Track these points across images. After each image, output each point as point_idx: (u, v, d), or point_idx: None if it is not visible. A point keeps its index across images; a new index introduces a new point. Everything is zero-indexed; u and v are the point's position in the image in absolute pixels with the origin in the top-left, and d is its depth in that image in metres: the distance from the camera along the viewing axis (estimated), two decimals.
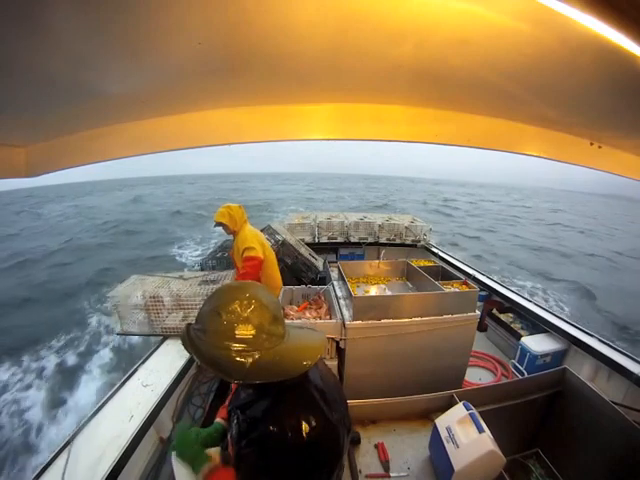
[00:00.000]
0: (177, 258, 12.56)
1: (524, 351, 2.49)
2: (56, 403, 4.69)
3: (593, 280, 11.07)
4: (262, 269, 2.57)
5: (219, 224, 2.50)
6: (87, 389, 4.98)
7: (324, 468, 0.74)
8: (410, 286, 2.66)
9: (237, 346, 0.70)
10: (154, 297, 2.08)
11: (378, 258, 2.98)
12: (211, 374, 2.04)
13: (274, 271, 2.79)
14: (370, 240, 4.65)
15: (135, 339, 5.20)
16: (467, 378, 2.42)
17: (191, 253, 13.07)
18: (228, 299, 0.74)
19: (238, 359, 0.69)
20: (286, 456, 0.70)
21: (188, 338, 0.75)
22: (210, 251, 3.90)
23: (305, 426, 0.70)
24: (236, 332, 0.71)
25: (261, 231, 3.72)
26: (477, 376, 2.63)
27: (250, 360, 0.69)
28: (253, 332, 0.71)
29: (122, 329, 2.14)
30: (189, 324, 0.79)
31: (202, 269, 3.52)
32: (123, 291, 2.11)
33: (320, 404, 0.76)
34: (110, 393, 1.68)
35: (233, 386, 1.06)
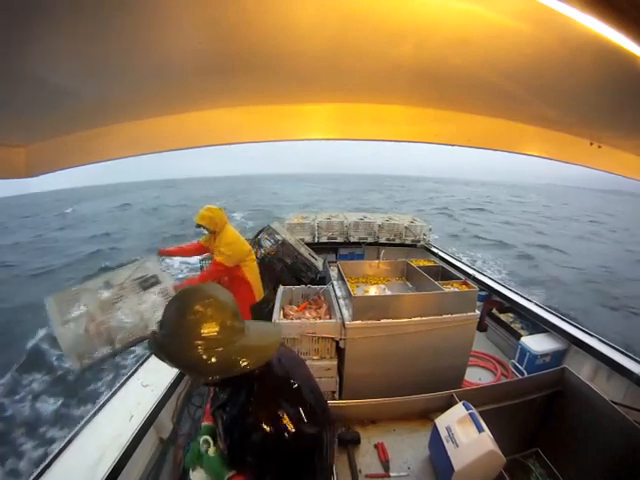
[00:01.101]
0: None
1: (524, 351, 2.49)
2: None
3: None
4: (243, 275, 2.71)
5: (199, 226, 2.58)
6: None
7: (309, 443, 0.83)
8: (410, 286, 2.66)
9: (204, 343, 0.75)
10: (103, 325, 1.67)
11: (378, 258, 2.98)
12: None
13: (256, 278, 2.86)
14: (370, 240, 4.65)
15: None
16: (467, 378, 2.42)
17: None
18: (190, 301, 0.79)
19: (205, 357, 0.74)
20: (271, 443, 0.77)
21: (156, 344, 0.79)
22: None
23: (278, 412, 0.79)
24: (202, 331, 0.75)
25: (260, 231, 3.72)
26: (477, 376, 2.63)
27: (217, 356, 0.75)
28: (217, 329, 0.76)
29: (81, 365, 1.61)
30: (154, 331, 0.83)
31: (201, 269, 3.51)
32: (73, 340, 1.60)
33: (290, 391, 0.85)
34: (110, 393, 1.68)
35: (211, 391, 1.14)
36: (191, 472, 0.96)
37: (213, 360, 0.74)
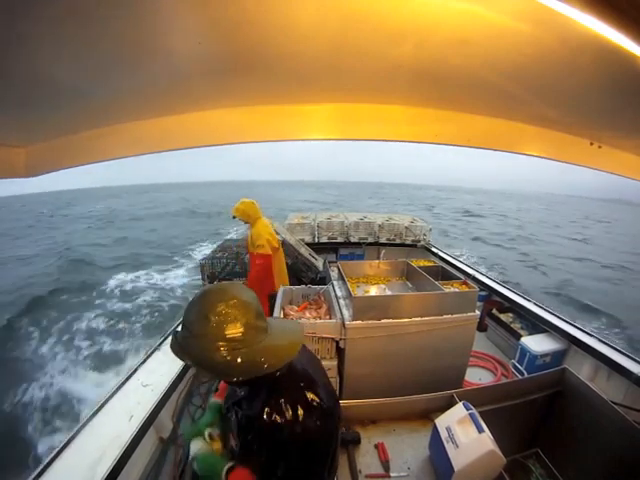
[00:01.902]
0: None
1: (524, 351, 2.49)
2: None
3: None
4: (273, 263, 2.98)
5: (234, 217, 2.93)
6: None
7: (324, 443, 0.82)
8: (410, 286, 2.66)
9: (228, 345, 0.73)
10: None
11: (378, 258, 2.98)
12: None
13: (283, 265, 3.20)
14: (370, 240, 4.66)
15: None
16: (467, 378, 2.42)
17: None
18: (213, 302, 0.76)
19: (230, 358, 0.72)
20: (291, 442, 0.77)
21: (178, 345, 0.78)
22: (210, 251, 3.92)
23: (300, 414, 0.77)
24: (226, 332, 0.73)
25: None
26: (477, 376, 2.63)
27: (242, 357, 0.73)
28: (242, 330, 0.74)
29: None
30: (175, 332, 0.81)
31: (202, 267, 3.53)
32: None
33: (309, 389, 0.83)
34: (110, 393, 1.68)
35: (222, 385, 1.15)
36: (191, 443, 0.96)
37: (239, 361, 0.72)
